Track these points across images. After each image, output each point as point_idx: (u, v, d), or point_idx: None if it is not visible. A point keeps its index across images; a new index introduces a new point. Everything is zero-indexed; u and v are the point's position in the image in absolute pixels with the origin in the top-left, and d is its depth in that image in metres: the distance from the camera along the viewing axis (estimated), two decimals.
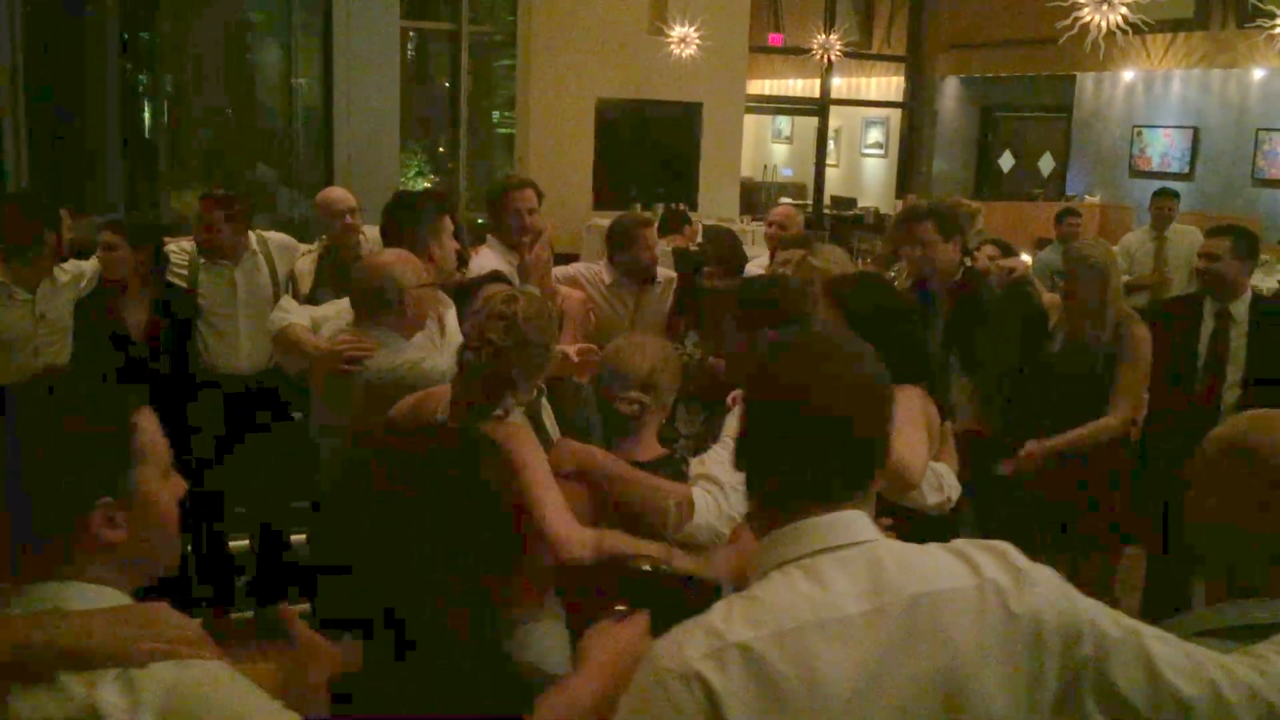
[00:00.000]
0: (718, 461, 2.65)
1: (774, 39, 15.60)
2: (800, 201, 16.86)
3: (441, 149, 13.08)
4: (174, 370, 4.57)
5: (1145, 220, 11.29)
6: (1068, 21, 6.90)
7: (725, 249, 5.33)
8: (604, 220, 10.99)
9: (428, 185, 12.89)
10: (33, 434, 1.46)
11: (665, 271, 5.03)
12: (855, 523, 1.48)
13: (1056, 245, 8.09)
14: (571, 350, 3.84)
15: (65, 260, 4.47)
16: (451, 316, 3.79)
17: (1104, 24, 6.96)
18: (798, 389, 1.49)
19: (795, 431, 1.48)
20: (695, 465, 2.68)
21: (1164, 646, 1.47)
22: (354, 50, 7.56)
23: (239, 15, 10.86)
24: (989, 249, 5.46)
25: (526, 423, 2.75)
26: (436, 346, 3.70)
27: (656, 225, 5.26)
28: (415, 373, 3.41)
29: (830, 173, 17.03)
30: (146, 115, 10.79)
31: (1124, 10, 6.84)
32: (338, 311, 3.79)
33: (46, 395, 1.52)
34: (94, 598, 1.46)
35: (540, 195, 4.60)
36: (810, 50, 13.45)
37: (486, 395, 2.67)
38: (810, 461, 1.48)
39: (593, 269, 4.98)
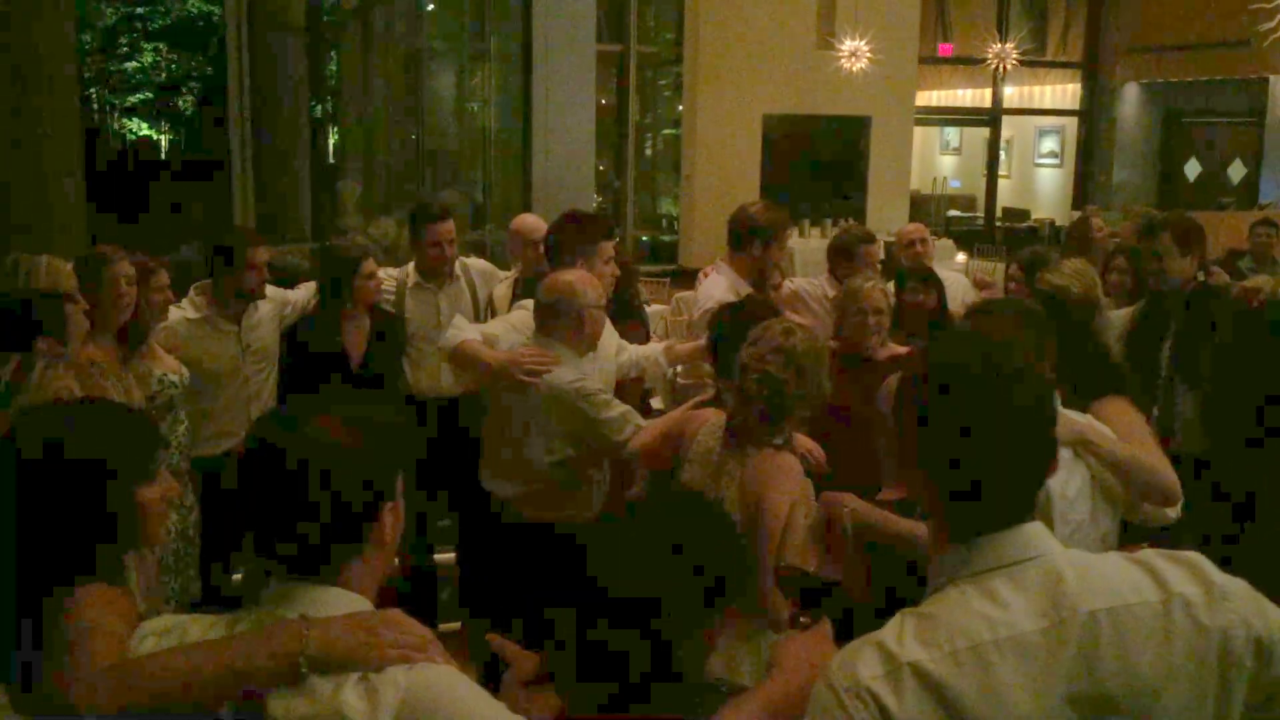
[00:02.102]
0: None
1: (943, 49, 15.28)
2: (970, 214, 16.47)
3: (601, 167, 13.27)
4: (387, 390, 4.73)
5: None
6: (1273, 24, 6.54)
7: (921, 265, 5.25)
8: None
9: (595, 205, 13.08)
10: (349, 431, 1.57)
11: None
12: (1035, 536, 1.43)
13: (1249, 259, 7.63)
14: None
15: (256, 294, 4.51)
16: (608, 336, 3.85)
17: None
18: (999, 396, 1.42)
19: (992, 443, 1.42)
20: None
21: None
22: (552, 75, 7.69)
23: (421, 44, 11.21)
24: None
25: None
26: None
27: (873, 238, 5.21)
28: (585, 394, 3.45)
29: (1002, 184, 16.58)
30: (332, 145, 11.26)
31: None
32: (508, 328, 3.87)
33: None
34: (352, 602, 1.56)
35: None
36: (985, 59, 13.13)
37: (762, 423, 2.77)
38: (1005, 475, 1.43)
39: (815, 283, 5.04)
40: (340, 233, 9.32)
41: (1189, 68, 14.42)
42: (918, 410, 1.47)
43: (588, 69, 7.98)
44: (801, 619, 1.92)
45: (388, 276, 4.98)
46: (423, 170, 11.46)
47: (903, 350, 4.22)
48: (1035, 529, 1.43)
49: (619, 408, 3.50)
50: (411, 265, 5.01)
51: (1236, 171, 14.70)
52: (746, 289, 4.40)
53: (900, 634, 1.38)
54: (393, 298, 4.92)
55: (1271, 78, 13.46)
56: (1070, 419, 2.73)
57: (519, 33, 7.89)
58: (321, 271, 4.72)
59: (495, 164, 10.80)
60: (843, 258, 4.93)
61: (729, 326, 3.33)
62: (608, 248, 4.16)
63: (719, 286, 4.37)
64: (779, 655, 1.77)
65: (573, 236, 4.12)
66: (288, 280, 5.09)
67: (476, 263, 5.23)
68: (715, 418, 2.98)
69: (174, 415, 3.91)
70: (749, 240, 4.44)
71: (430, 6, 12.07)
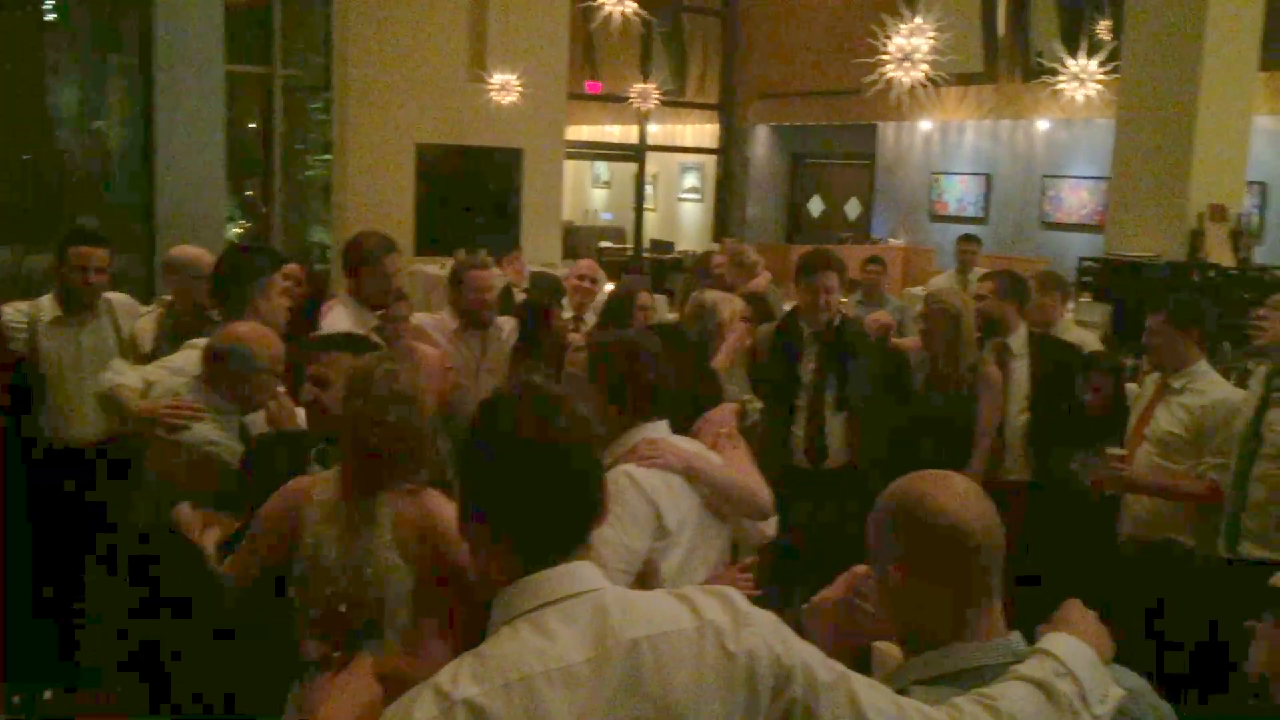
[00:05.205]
0: None
1: (591, 86, 15.85)
2: (620, 245, 17.12)
3: (250, 193, 12.75)
4: (16, 441, 4.29)
5: (946, 262, 11.97)
6: (874, 77, 7.30)
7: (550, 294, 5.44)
8: (426, 266, 10.97)
9: (238, 231, 12.54)
10: None
11: (507, 320, 5.10)
12: (583, 573, 1.53)
13: (859, 293, 8.37)
14: None
15: None
16: None
17: (906, 81, 7.40)
18: (541, 439, 1.53)
19: (538, 483, 1.52)
20: None
21: (871, 692, 1.56)
22: (177, 96, 7.27)
23: (37, 57, 10.31)
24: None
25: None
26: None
27: (491, 265, 5.30)
28: (229, 454, 3.33)
29: (649, 217, 17.36)
30: None
31: (924, 68, 7.30)
32: (172, 372, 3.65)
33: None
34: None
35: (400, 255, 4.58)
36: (629, 98, 13.73)
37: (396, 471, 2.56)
38: (550, 514, 1.53)
39: (438, 318, 5.04)
40: None
41: (810, 113, 15.75)
42: (471, 461, 1.58)
43: (216, 89, 7.65)
44: (335, 655, 1.86)
45: (15, 311, 4.51)
46: (37, 192, 10.54)
47: None
48: (584, 567, 1.53)
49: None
50: (47, 298, 4.57)
51: (853, 208, 16.18)
52: (371, 318, 4.38)
53: (456, 675, 1.44)
54: (25, 336, 4.47)
55: (879, 124, 14.94)
56: (678, 448, 2.82)
57: (140, 50, 7.44)
58: None
59: (117, 187, 10.07)
60: (452, 288, 5.01)
61: None
62: (280, 280, 4.03)
63: (340, 320, 4.24)
64: (313, 702, 1.74)
65: (240, 270, 3.95)
66: None
67: (118, 297, 4.82)
68: (319, 481, 2.68)
69: None
70: (356, 269, 4.43)
71: (50, 16, 11.16)
